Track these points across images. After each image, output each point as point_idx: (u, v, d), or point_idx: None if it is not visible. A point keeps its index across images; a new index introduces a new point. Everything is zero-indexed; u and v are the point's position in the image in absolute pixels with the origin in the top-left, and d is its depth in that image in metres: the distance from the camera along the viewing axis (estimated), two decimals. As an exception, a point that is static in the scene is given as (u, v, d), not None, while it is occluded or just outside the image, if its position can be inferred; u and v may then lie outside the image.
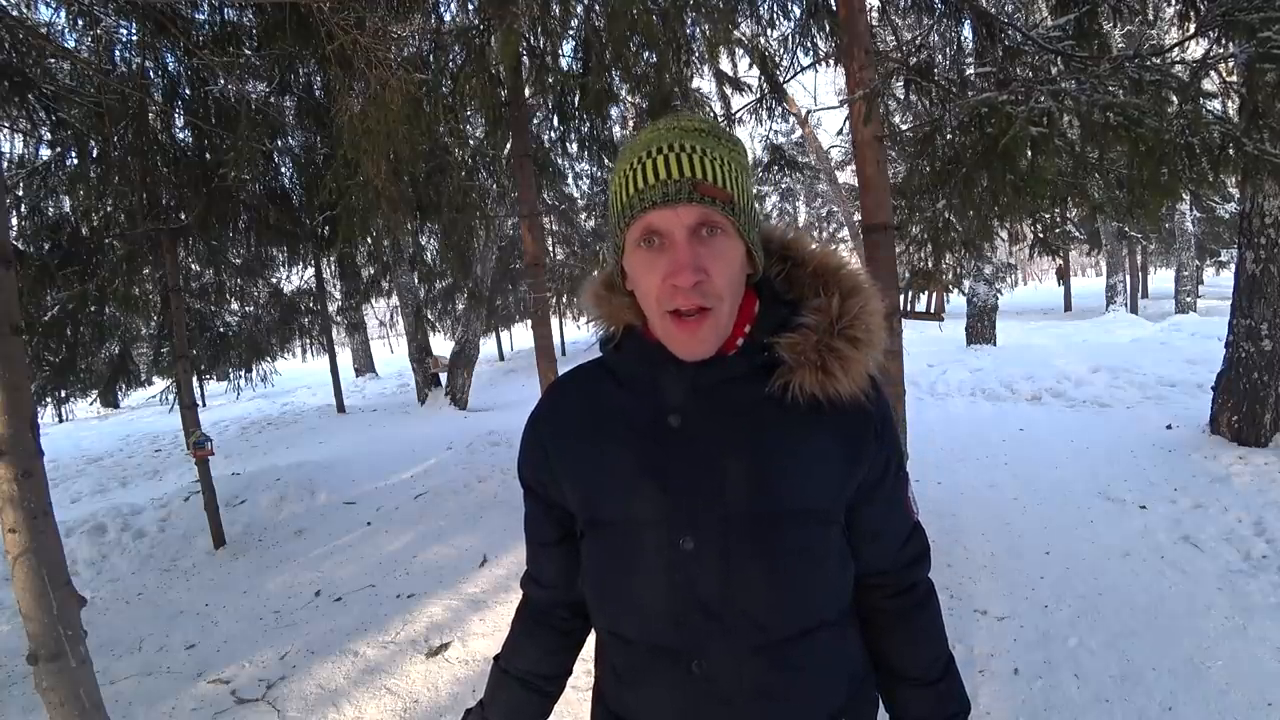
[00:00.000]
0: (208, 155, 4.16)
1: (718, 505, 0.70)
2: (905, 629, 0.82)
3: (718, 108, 5.04)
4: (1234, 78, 2.89)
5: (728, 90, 4.80)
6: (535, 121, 4.91)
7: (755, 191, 0.72)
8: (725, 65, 4.73)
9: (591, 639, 0.89)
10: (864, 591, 0.81)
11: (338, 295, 10.80)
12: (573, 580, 0.84)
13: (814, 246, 0.78)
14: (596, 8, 3.90)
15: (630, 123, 5.41)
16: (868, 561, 0.79)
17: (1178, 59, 2.81)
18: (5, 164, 3.87)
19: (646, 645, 0.74)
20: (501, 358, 17.47)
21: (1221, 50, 2.54)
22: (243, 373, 7.83)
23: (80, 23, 3.57)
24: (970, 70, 3.72)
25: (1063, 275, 18.56)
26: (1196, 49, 3.04)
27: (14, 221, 4.10)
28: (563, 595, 0.87)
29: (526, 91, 4.20)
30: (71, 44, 3.66)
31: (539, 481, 0.83)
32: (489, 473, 5.17)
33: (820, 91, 26.74)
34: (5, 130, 3.66)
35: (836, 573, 0.75)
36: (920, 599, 0.82)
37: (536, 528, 0.87)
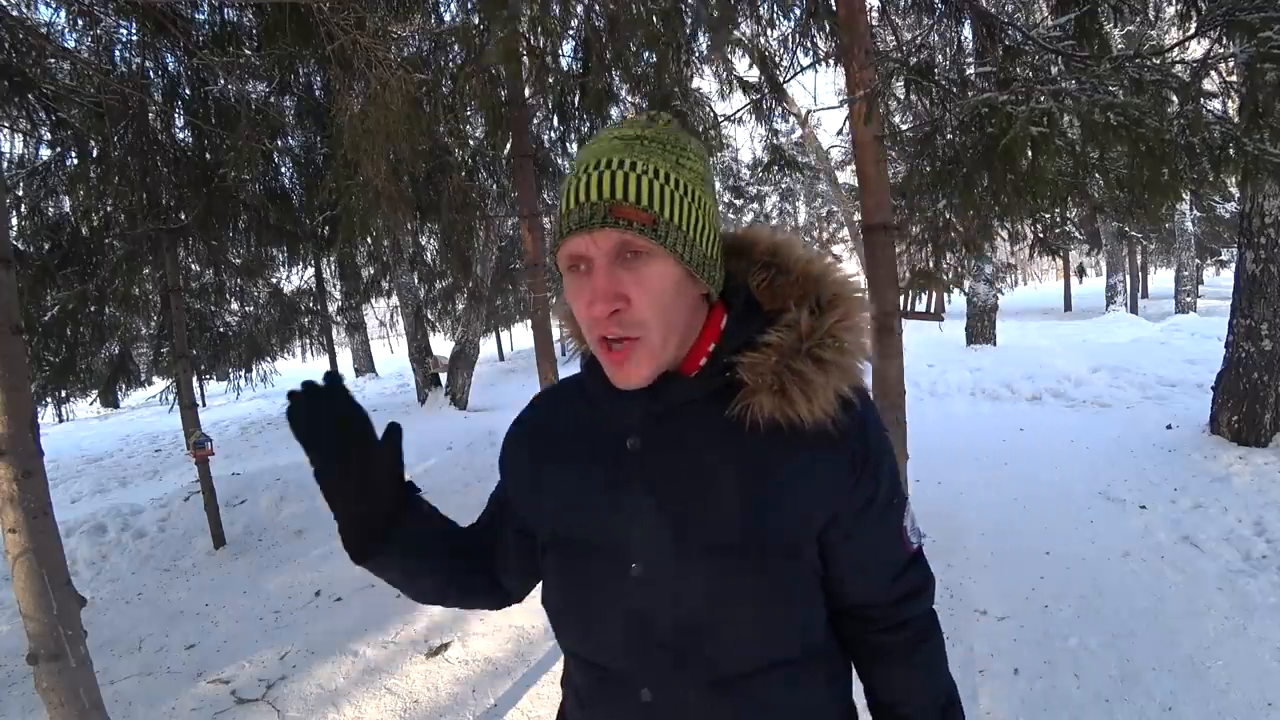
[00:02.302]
0: (208, 155, 4.16)
1: (669, 533, 0.67)
2: (900, 666, 0.77)
3: (719, 107, 5.04)
4: (1234, 77, 2.89)
5: (727, 90, 4.80)
6: (535, 121, 4.91)
7: (702, 202, 0.65)
8: (724, 65, 4.73)
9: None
10: (854, 625, 0.77)
11: (338, 295, 10.80)
12: (502, 553, 0.83)
13: (801, 252, 0.73)
14: (596, 8, 3.90)
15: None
16: (854, 595, 0.74)
17: (1178, 59, 2.80)
18: (5, 164, 3.87)
19: (601, 668, 0.73)
20: (501, 358, 17.47)
21: (1222, 50, 2.54)
22: (243, 373, 7.83)
23: (80, 23, 3.58)
24: (970, 70, 3.72)
25: (1079, 272, 18.58)
26: (1197, 49, 3.04)
27: (14, 221, 4.10)
28: (484, 552, 0.85)
29: (526, 91, 4.19)
30: (71, 44, 3.67)
31: (509, 482, 0.84)
32: (489, 472, 5.16)
33: (820, 91, 26.65)
34: (5, 130, 3.67)
35: (798, 609, 0.70)
36: (918, 635, 0.76)
37: (495, 508, 0.86)
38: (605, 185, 0.61)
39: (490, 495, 0.88)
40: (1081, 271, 18.56)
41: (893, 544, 0.74)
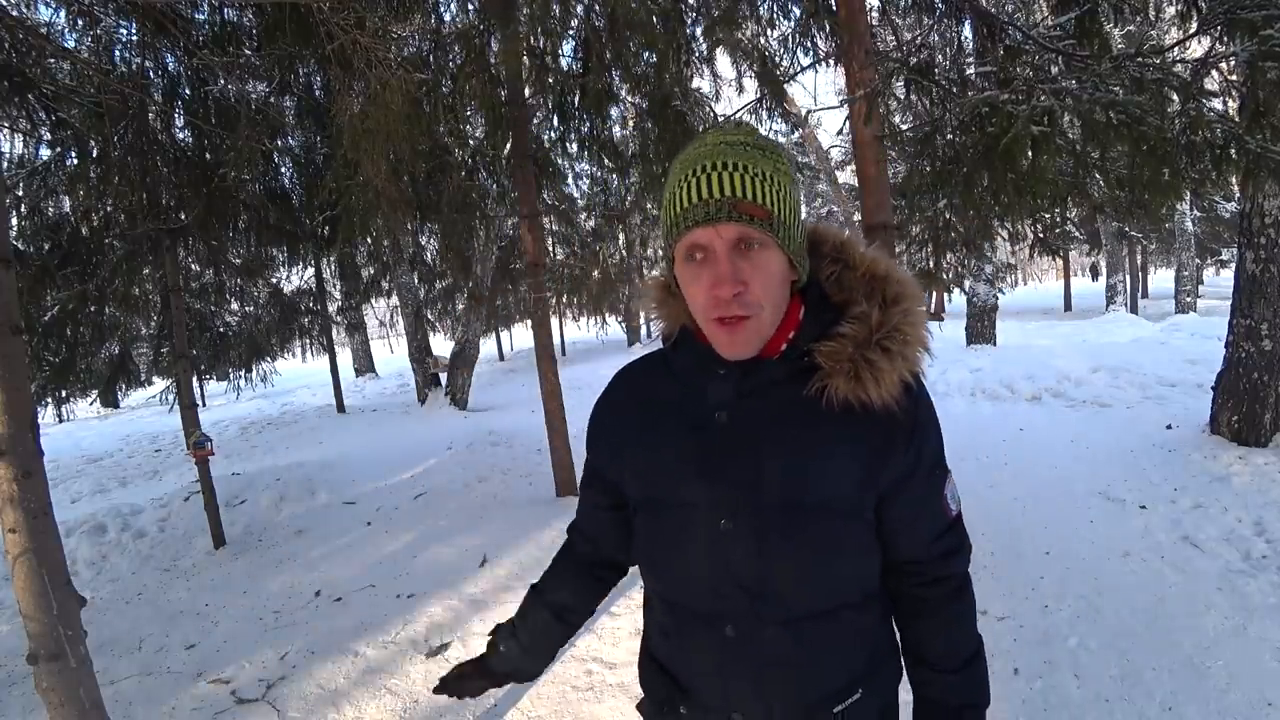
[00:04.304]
0: (208, 155, 4.16)
1: (754, 494, 0.77)
2: (932, 617, 0.87)
3: (718, 107, 5.03)
4: (1235, 76, 2.89)
5: (728, 90, 4.80)
6: (535, 121, 4.91)
7: (795, 200, 0.75)
8: (725, 65, 4.73)
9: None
10: (898, 577, 0.86)
11: (338, 295, 10.80)
12: (613, 541, 0.96)
13: (864, 250, 0.84)
14: (596, 8, 3.90)
15: (630, 122, 5.40)
16: (901, 550, 0.84)
17: (1179, 58, 2.80)
18: (5, 164, 3.87)
19: (689, 609, 0.83)
20: (501, 358, 17.47)
21: (1223, 49, 2.54)
22: (243, 373, 7.83)
23: (80, 23, 3.57)
24: (971, 70, 3.72)
25: (1092, 271, 18.52)
26: (1197, 48, 3.04)
27: (14, 221, 4.10)
28: (602, 550, 0.99)
29: (526, 91, 4.20)
30: (71, 44, 3.66)
31: (599, 456, 0.94)
32: (489, 473, 5.17)
33: (820, 91, 26.71)
34: (5, 130, 3.66)
35: (859, 561, 0.81)
36: (952, 591, 0.87)
37: (592, 492, 0.98)
38: (726, 184, 0.70)
39: (580, 483, 1.00)
40: (1095, 271, 18.48)
41: (935, 507, 0.84)
